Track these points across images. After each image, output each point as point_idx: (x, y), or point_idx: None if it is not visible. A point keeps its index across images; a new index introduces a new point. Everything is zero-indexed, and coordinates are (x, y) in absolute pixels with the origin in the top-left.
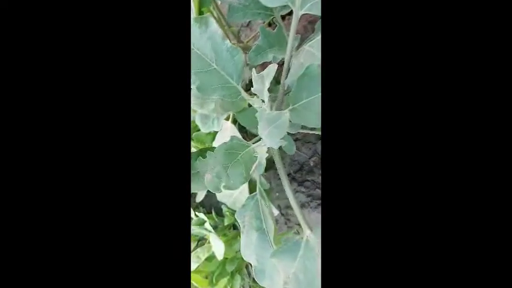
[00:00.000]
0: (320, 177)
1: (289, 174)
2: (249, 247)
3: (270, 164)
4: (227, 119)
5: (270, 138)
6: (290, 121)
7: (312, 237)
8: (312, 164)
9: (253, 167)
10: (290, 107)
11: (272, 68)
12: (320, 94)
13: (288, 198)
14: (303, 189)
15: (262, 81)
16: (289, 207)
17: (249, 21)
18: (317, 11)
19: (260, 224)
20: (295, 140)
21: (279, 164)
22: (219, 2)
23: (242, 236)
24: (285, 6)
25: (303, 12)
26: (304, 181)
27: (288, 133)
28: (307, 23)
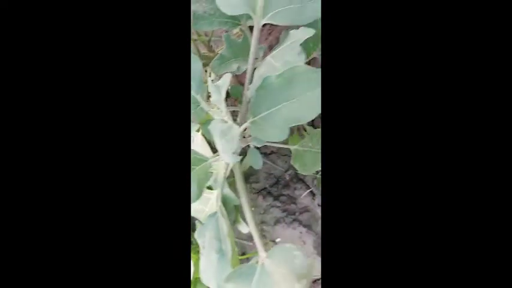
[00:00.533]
0: (295, 191)
1: (264, 189)
2: (208, 270)
3: (246, 177)
4: (198, 130)
5: (223, 152)
6: (250, 135)
7: (267, 262)
8: (287, 177)
9: (208, 183)
10: (251, 119)
11: (226, 78)
12: (280, 107)
13: (263, 213)
14: (278, 204)
15: (219, 91)
16: (264, 222)
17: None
18: (280, 20)
19: (220, 244)
20: (270, 153)
21: (238, 180)
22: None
23: (202, 258)
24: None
25: (264, 21)
26: (279, 195)
27: (256, 147)
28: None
